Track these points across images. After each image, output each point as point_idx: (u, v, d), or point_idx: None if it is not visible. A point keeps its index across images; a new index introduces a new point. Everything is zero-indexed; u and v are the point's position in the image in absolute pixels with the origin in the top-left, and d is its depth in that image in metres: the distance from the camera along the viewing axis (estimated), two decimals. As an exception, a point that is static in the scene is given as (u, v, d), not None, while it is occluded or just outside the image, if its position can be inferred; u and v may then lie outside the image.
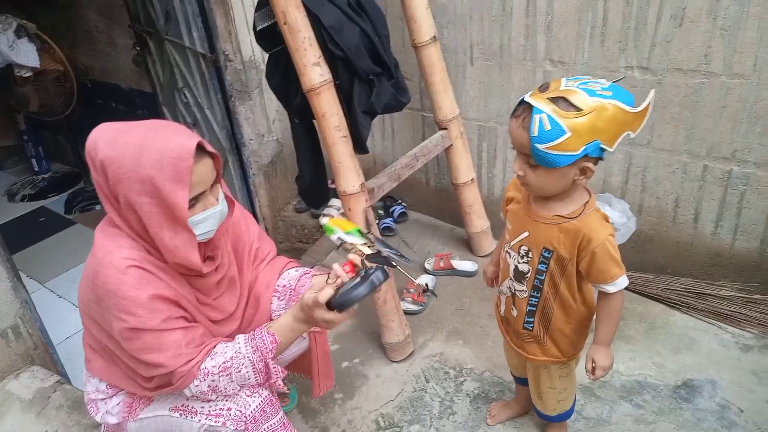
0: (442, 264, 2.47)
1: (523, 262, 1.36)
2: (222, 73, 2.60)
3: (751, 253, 2.10)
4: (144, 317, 1.21)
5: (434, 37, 2.23)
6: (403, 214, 2.88)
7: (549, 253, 1.30)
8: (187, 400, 1.36)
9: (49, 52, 3.58)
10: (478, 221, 2.50)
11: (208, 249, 1.34)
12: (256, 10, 1.90)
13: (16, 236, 3.58)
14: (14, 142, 4.57)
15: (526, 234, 1.33)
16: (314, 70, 1.79)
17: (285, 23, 1.76)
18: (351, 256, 1.26)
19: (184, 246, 1.23)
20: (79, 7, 3.66)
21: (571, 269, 1.30)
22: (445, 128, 2.35)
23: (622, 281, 1.28)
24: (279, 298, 1.54)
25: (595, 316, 1.39)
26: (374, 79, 1.93)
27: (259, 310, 1.52)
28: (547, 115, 1.10)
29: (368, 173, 2.35)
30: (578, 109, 1.10)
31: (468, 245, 2.61)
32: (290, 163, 3.01)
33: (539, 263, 1.33)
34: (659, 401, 1.81)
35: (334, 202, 2.89)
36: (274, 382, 1.34)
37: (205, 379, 1.27)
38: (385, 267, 1.25)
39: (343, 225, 1.31)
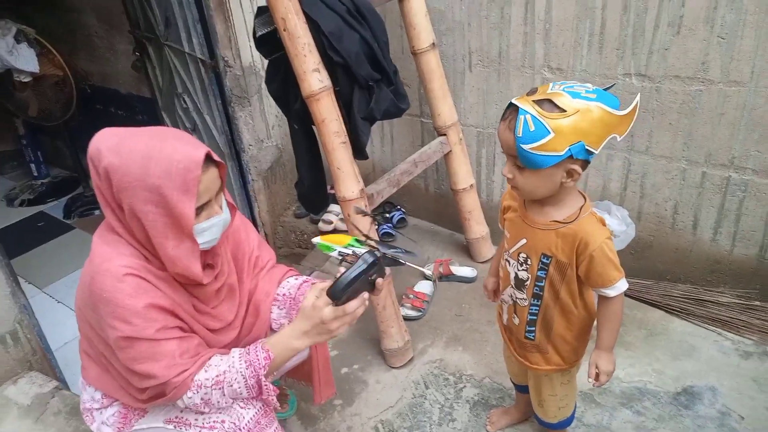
0: (441, 270, 2.47)
1: (523, 270, 1.36)
2: (221, 79, 2.60)
3: (749, 260, 2.10)
4: (139, 326, 1.20)
5: (433, 43, 2.24)
6: (402, 220, 2.89)
7: (548, 259, 1.30)
8: (181, 411, 1.35)
9: (49, 57, 3.59)
10: (478, 227, 2.50)
11: (207, 257, 1.34)
12: (256, 16, 1.90)
13: (14, 241, 3.57)
14: (13, 147, 4.57)
15: (524, 241, 1.33)
16: (314, 77, 1.80)
17: (285, 30, 1.77)
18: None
19: (186, 256, 1.23)
20: (78, 12, 3.67)
21: (570, 274, 1.30)
22: (444, 134, 2.36)
23: (622, 284, 1.28)
24: (279, 306, 1.53)
25: (596, 322, 1.39)
26: (373, 85, 1.93)
27: (258, 318, 1.51)
28: (532, 116, 1.12)
29: (367, 179, 2.35)
30: (562, 111, 1.11)
31: (467, 251, 2.61)
32: (289, 168, 3.01)
33: (538, 270, 1.33)
34: (659, 408, 1.81)
35: (334, 207, 2.90)
36: (266, 398, 1.33)
37: (198, 392, 1.26)
38: (375, 251, 1.25)
39: (339, 239, 1.32)
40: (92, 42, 3.72)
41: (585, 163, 1.19)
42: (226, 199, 1.33)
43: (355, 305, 1.25)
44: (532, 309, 1.39)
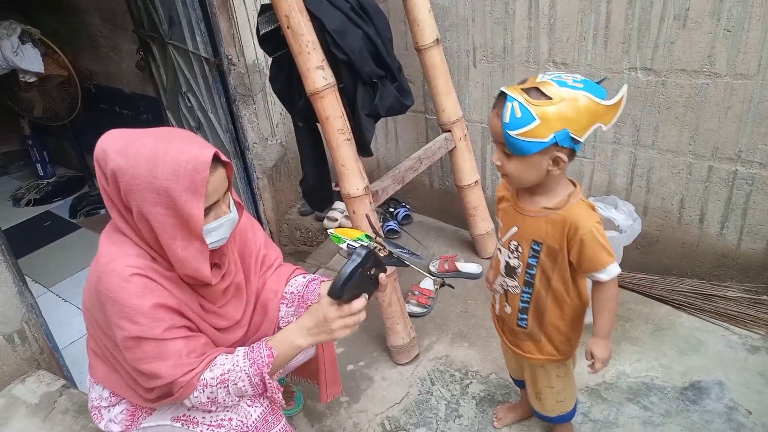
0: (446, 266, 2.47)
1: (514, 257, 1.37)
2: (226, 77, 2.61)
3: (757, 254, 2.09)
4: (146, 326, 1.21)
5: (437, 39, 2.23)
6: (407, 217, 2.88)
7: (538, 246, 1.32)
8: (189, 410, 1.35)
9: (53, 58, 3.60)
10: (483, 223, 2.50)
11: (214, 256, 1.34)
12: (260, 14, 1.90)
13: (21, 241, 3.59)
14: (19, 147, 4.59)
15: (515, 229, 1.36)
16: (318, 74, 1.80)
17: (288, 27, 1.76)
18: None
19: (195, 257, 1.23)
20: (82, 12, 3.67)
21: (562, 261, 1.31)
22: (449, 130, 2.36)
23: (614, 269, 1.28)
24: (287, 305, 1.53)
25: (591, 310, 1.39)
26: (377, 82, 1.93)
27: (266, 317, 1.51)
28: (519, 102, 1.15)
29: (372, 176, 2.35)
30: (549, 98, 1.14)
31: (472, 247, 2.61)
32: (294, 166, 3.01)
33: (529, 257, 1.34)
34: (666, 403, 1.81)
35: (339, 204, 2.90)
36: (271, 396, 1.33)
37: (203, 391, 1.26)
38: (369, 245, 1.26)
39: (350, 233, 1.32)
40: (96, 42, 3.73)
41: (571, 152, 1.22)
42: (233, 198, 1.33)
43: (360, 305, 1.25)
44: (524, 297, 1.40)
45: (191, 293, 1.33)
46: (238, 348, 1.33)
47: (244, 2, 2.58)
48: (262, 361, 1.28)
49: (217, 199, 1.24)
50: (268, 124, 2.86)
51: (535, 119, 1.14)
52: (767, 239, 2.05)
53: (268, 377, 1.29)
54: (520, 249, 1.35)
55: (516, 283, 1.40)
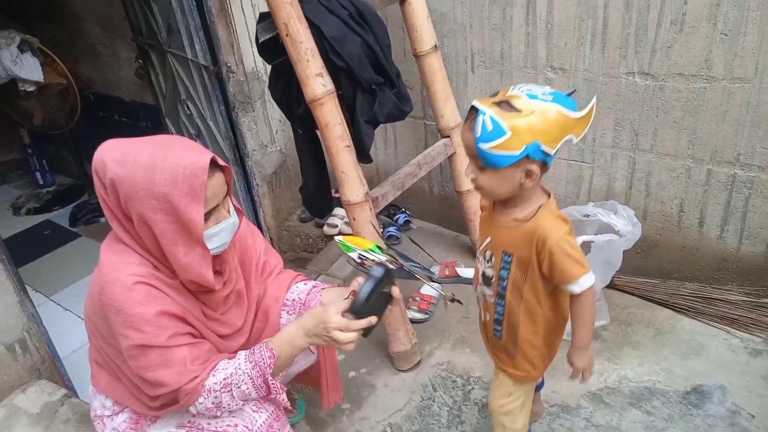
0: (447, 272, 2.47)
1: (488, 267, 1.37)
2: (225, 85, 2.61)
3: (757, 257, 2.09)
4: (150, 334, 1.21)
5: (435, 46, 2.24)
6: (407, 223, 2.88)
7: (509, 257, 1.32)
8: (194, 416, 1.35)
9: (53, 66, 3.61)
10: (483, 228, 2.50)
11: (216, 263, 1.34)
12: (258, 22, 1.91)
13: (21, 250, 3.58)
14: (18, 156, 4.59)
15: (489, 239, 1.36)
16: (317, 81, 1.80)
17: (287, 35, 1.77)
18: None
19: (198, 263, 1.24)
20: (81, 21, 3.68)
21: (533, 273, 1.30)
22: (448, 136, 2.36)
23: (586, 280, 1.26)
24: (288, 311, 1.53)
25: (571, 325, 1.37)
26: (376, 88, 1.93)
27: (268, 324, 1.51)
28: (490, 116, 1.15)
29: (372, 182, 2.35)
30: (519, 111, 1.15)
31: (473, 253, 2.60)
32: (294, 173, 3.01)
33: (501, 268, 1.34)
34: (669, 407, 1.80)
35: (338, 211, 2.90)
36: (275, 398, 1.33)
37: (208, 396, 1.27)
38: (385, 262, 1.29)
39: (360, 242, 1.33)
40: (95, 50, 3.74)
41: (543, 165, 1.21)
42: (233, 204, 1.33)
43: (362, 324, 1.27)
44: (497, 308, 1.39)
45: (193, 300, 1.33)
46: (239, 352, 1.34)
47: (243, 10, 2.59)
48: (264, 363, 1.28)
49: (216, 203, 1.25)
50: (267, 131, 2.86)
51: (506, 132, 1.14)
52: (767, 242, 2.05)
53: (270, 378, 1.29)
54: (493, 259, 1.35)
55: (491, 292, 1.39)
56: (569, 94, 1.21)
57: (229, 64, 2.59)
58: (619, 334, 2.10)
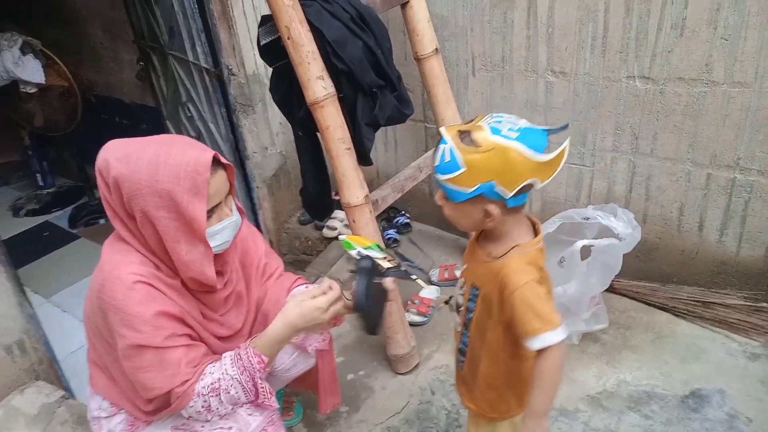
0: (446, 275, 2.47)
1: (460, 294, 1.30)
2: (226, 87, 2.62)
3: (756, 261, 2.09)
4: (148, 334, 1.21)
5: (436, 49, 2.24)
6: (407, 225, 2.88)
7: (476, 291, 1.23)
8: (188, 419, 1.35)
9: (54, 68, 3.61)
10: (482, 232, 2.50)
11: (217, 264, 1.34)
12: (260, 25, 1.91)
13: (20, 251, 3.57)
14: (19, 158, 4.59)
15: (466, 266, 1.29)
16: (318, 84, 1.81)
17: (289, 38, 1.78)
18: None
19: (200, 260, 1.24)
20: (83, 23, 3.70)
21: (498, 314, 1.18)
22: (448, 139, 2.36)
23: (548, 338, 1.07)
24: None
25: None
26: (377, 91, 1.94)
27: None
28: (450, 147, 1.08)
29: (372, 185, 2.35)
30: (477, 146, 1.06)
31: (472, 256, 2.60)
32: (294, 175, 3.02)
33: (469, 299, 1.25)
34: (667, 411, 1.80)
35: (338, 213, 2.90)
36: (263, 402, 1.33)
37: (198, 400, 1.27)
38: (371, 256, 1.29)
39: (362, 241, 1.34)
40: (97, 52, 3.75)
41: (503, 205, 1.10)
42: (235, 203, 1.34)
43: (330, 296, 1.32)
44: (463, 338, 1.31)
45: (193, 301, 1.33)
46: (224, 354, 1.33)
47: (245, 13, 2.60)
48: (253, 368, 1.29)
49: (219, 201, 1.26)
50: (267, 133, 2.87)
51: (460, 167, 1.07)
52: (766, 246, 2.05)
53: (260, 383, 1.30)
54: (464, 287, 1.27)
55: (459, 321, 1.31)
56: (562, 128, 1.13)
57: (230, 67, 2.59)
58: (618, 337, 2.10)
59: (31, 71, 3.47)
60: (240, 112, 2.70)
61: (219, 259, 1.34)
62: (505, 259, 1.15)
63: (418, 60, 2.26)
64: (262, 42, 1.90)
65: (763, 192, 1.98)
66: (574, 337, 2.07)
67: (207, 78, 2.62)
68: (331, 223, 2.92)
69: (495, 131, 1.06)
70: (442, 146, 1.09)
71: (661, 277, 2.30)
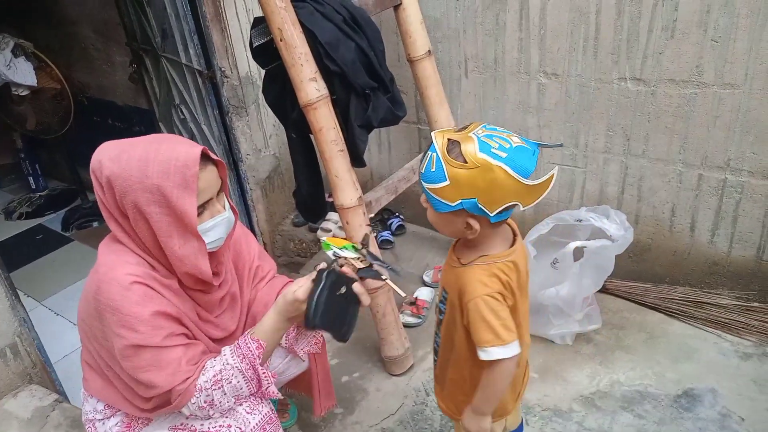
0: (440, 276, 2.47)
1: (437, 294, 1.31)
2: (219, 89, 2.61)
3: (747, 261, 2.11)
4: (146, 334, 1.21)
5: (429, 51, 2.25)
6: (401, 227, 2.89)
7: (446, 294, 1.24)
8: (186, 418, 1.35)
9: (46, 71, 3.59)
10: (476, 233, 2.50)
11: (212, 264, 1.34)
12: (253, 27, 1.91)
13: (13, 254, 3.56)
14: (11, 161, 4.56)
15: (441, 268, 1.29)
16: (311, 86, 1.81)
17: (281, 40, 1.78)
18: (344, 269, 1.29)
19: (194, 254, 1.25)
20: (75, 25, 3.68)
21: (459, 320, 1.19)
22: (442, 141, 2.36)
23: (497, 352, 1.10)
24: None
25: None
26: (370, 93, 1.94)
27: None
28: (437, 156, 1.07)
29: (365, 186, 2.36)
30: (464, 161, 1.04)
31: (466, 257, 2.61)
32: (287, 177, 3.02)
33: (440, 301, 1.28)
34: (660, 411, 1.81)
35: (332, 215, 2.90)
36: (266, 389, 1.34)
37: (200, 395, 1.27)
38: (335, 267, 1.28)
39: (338, 242, 1.35)
40: (89, 54, 3.73)
41: (486, 220, 1.10)
42: (228, 201, 1.34)
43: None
44: (436, 337, 1.32)
45: (189, 302, 1.33)
46: (223, 348, 1.34)
47: (237, 15, 2.59)
48: (252, 354, 1.29)
49: (210, 197, 1.26)
50: (261, 135, 2.86)
51: (445, 180, 1.05)
52: (757, 246, 2.07)
53: (261, 368, 1.30)
54: (438, 289, 1.28)
55: (435, 320, 1.33)
56: (555, 145, 1.15)
57: (223, 69, 2.59)
58: (611, 338, 2.11)
59: (23, 74, 3.45)
60: (233, 114, 2.70)
61: (214, 259, 1.35)
62: (470, 267, 1.16)
63: (411, 62, 2.27)
64: (255, 44, 1.90)
65: (754, 192, 2.00)
66: (567, 337, 2.08)
67: (200, 80, 2.62)
68: (325, 225, 2.92)
69: (483, 148, 1.04)
70: (430, 153, 1.09)
71: (654, 278, 2.31)
